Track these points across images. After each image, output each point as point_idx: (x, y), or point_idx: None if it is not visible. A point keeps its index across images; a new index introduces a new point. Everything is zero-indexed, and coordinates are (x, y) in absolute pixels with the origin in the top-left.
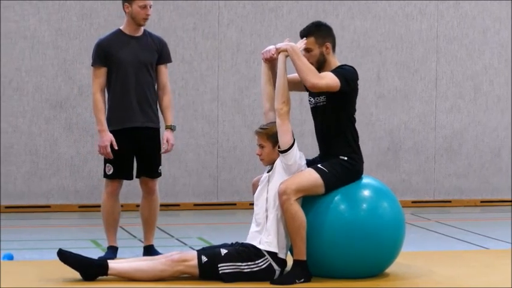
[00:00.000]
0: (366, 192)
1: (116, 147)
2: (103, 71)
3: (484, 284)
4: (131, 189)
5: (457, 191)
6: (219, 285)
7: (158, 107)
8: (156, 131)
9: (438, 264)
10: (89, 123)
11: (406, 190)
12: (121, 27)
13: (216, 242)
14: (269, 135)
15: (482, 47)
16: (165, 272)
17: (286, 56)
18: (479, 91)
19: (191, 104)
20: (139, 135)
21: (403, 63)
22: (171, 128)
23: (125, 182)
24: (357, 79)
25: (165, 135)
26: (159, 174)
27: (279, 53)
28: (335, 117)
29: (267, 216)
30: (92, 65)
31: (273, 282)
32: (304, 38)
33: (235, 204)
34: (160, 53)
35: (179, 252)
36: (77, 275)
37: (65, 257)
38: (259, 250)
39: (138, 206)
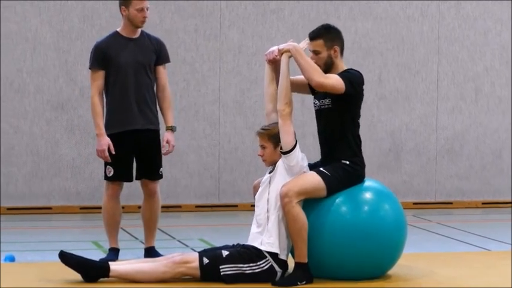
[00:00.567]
0: (368, 194)
1: (114, 152)
2: (101, 74)
3: (485, 284)
4: (132, 190)
5: (459, 193)
6: (220, 287)
7: (158, 108)
8: (156, 132)
9: (440, 266)
10: (90, 125)
11: (408, 191)
12: (118, 29)
13: (217, 243)
14: (270, 135)
15: (483, 48)
16: (166, 273)
17: (290, 57)
18: (480, 92)
19: (193, 105)
20: (140, 138)
21: (404, 64)
22: (172, 129)
23: (126, 183)
24: (363, 83)
25: (165, 136)
26: (160, 176)
27: (282, 54)
28: (339, 121)
29: (268, 217)
30: (89, 68)
31: (274, 284)
32: (307, 38)
33: (236, 205)
34: (158, 53)
35: (180, 254)
36: (78, 276)
37: (67, 258)
38: (260, 251)
39: (139, 207)
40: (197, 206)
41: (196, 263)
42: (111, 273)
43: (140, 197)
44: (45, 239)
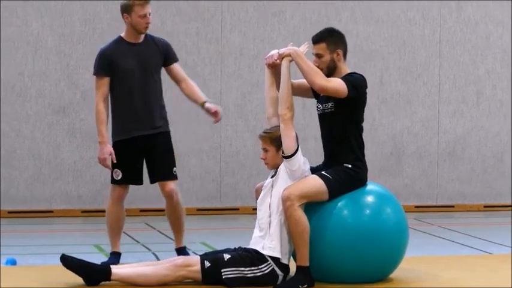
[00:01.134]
0: (369, 198)
1: (115, 161)
2: (106, 80)
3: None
4: (135, 194)
5: (460, 196)
6: None
7: (185, 95)
8: (165, 134)
9: (441, 269)
10: (92, 128)
11: (409, 195)
12: (122, 35)
13: (219, 246)
14: (272, 139)
15: (485, 52)
16: (168, 277)
17: (290, 61)
18: (482, 96)
19: (194, 108)
20: (148, 142)
21: (405, 68)
22: (208, 102)
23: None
24: (366, 87)
25: (207, 108)
26: (174, 176)
27: (283, 58)
28: (342, 125)
29: (270, 222)
30: (94, 75)
31: (276, 287)
32: (306, 42)
33: (238, 209)
34: (165, 54)
35: (182, 257)
36: (79, 280)
37: (68, 262)
38: (262, 255)
39: (141, 211)
40: (199, 210)
41: (198, 267)
42: (112, 277)
43: (143, 200)
44: (47, 243)
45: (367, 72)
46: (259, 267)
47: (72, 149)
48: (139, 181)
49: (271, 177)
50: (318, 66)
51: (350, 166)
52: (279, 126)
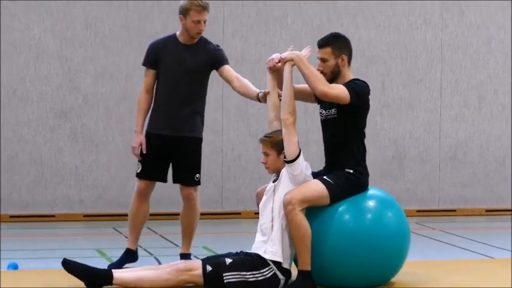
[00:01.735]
0: (371, 202)
1: (145, 151)
2: (150, 72)
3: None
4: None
5: (462, 200)
6: None
7: (240, 93)
8: (194, 140)
9: (443, 273)
10: (93, 133)
11: (411, 199)
12: (177, 33)
13: (220, 251)
14: (273, 143)
15: (486, 56)
16: (169, 281)
17: (293, 65)
18: (483, 100)
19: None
20: (175, 143)
21: (407, 72)
22: (260, 92)
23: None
24: (368, 94)
25: (263, 98)
26: (196, 182)
27: (285, 62)
28: (344, 131)
29: (272, 226)
30: (142, 65)
31: None
32: (309, 46)
33: (239, 213)
34: (214, 59)
35: (184, 261)
36: (81, 284)
37: (70, 266)
38: (264, 259)
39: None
40: (200, 214)
41: (200, 271)
42: (114, 281)
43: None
44: (49, 247)
45: (369, 76)
46: (261, 271)
47: (74, 153)
48: (162, 179)
49: (273, 181)
50: (322, 71)
51: (351, 171)
52: (280, 130)
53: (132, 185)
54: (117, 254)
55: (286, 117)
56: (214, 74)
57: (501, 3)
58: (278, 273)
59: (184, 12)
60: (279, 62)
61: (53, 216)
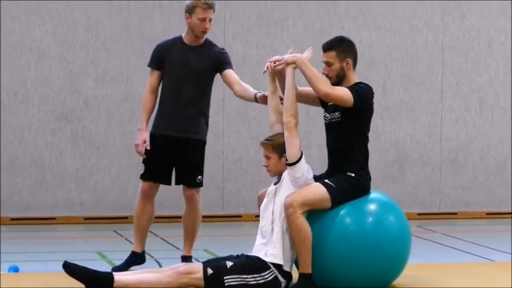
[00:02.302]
0: (372, 205)
1: (148, 147)
2: (155, 73)
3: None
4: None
5: (463, 203)
6: None
7: (240, 97)
8: (199, 141)
9: (444, 276)
10: (94, 135)
11: (412, 202)
12: (182, 35)
13: (221, 254)
14: (274, 146)
15: (487, 59)
16: (170, 284)
17: (295, 68)
18: (484, 103)
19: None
20: (178, 144)
21: (408, 75)
22: (258, 93)
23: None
24: (372, 97)
25: (260, 97)
26: (198, 184)
27: (288, 65)
28: (348, 134)
29: (272, 229)
30: (148, 65)
31: None
32: (311, 48)
33: (240, 216)
34: (218, 62)
35: (185, 264)
36: (82, 287)
37: (70, 269)
38: (264, 262)
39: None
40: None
41: (201, 274)
42: (115, 284)
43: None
44: (49, 250)
45: (370, 79)
46: (262, 274)
47: (75, 156)
48: (166, 181)
49: (275, 184)
50: (327, 74)
51: (353, 175)
52: (282, 133)
53: (133, 188)
54: (117, 257)
55: (288, 119)
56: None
57: (502, 6)
58: (279, 276)
59: (190, 10)
60: (275, 62)
61: (54, 218)
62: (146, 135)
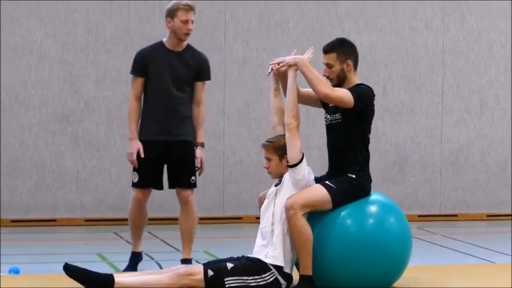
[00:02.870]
0: (372, 207)
1: (142, 155)
2: (139, 81)
3: None
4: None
5: (463, 205)
6: None
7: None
8: (189, 143)
9: (444, 278)
10: (95, 137)
11: (412, 204)
12: (164, 40)
13: (222, 255)
14: (275, 148)
15: (488, 61)
16: (171, 285)
17: (296, 70)
18: (485, 105)
19: None
20: (171, 148)
21: (409, 77)
22: (203, 146)
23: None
24: (373, 98)
25: (198, 154)
26: (192, 185)
27: (289, 67)
28: (348, 136)
29: (273, 230)
30: (130, 73)
31: None
32: (312, 48)
33: (241, 218)
34: (198, 70)
35: (185, 266)
36: None
37: (71, 270)
38: (265, 264)
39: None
40: (202, 218)
41: (201, 275)
42: (115, 286)
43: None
44: (50, 251)
45: (371, 81)
46: (263, 276)
47: (76, 157)
48: (159, 186)
49: (275, 186)
50: (327, 76)
51: (354, 176)
52: (283, 135)
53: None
54: (118, 259)
55: (289, 121)
56: (214, 77)
57: (503, 8)
58: (279, 277)
59: (171, 13)
60: (278, 64)
61: (54, 220)
62: (139, 144)
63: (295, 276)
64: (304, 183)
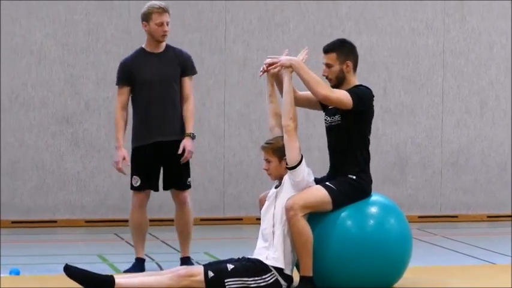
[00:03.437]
0: (373, 208)
1: (128, 164)
2: (125, 90)
3: None
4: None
5: (464, 206)
6: None
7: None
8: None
9: (445, 279)
10: (95, 138)
11: (413, 205)
12: (143, 45)
13: (222, 257)
14: (275, 149)
15: (488, 62)
16: (171, 286)
17: (291, 72)
18: (485, 106)
19: (197, 118)
20: (165, 149)
21: (409, 78)
22: (190, 136)
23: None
24: (372, 99)
25: (182, 142)
26: (188, 186)
27: (284, 68)
28: (348, 137)
29: (273, 232)
30: (116, 85)
31: None
32: (306, 48)
33: (241, 219)
34: (182, 66)
35: (186, 267)
36: None
37: (71, 272)
38: (265, 265)
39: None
40: (202, 220)
41: (201, 277)
42: (116, 287)
43: (147, 210)
44: (50, 253)
45: (371, 82)
46: (263, 277)
47: (76, 159)
48: (156, 187)
49: (276, 187)
50: (327, 76)
51: (354, 177)
52: (282, 136)
53: None
54: (118, 260)
55: (287, 123)
56: (214, 79)
57: (503, 9)
58: (280, 279)
59: (146, 17)
60: (269, 66)
61: (55, 221)
62: (125, 152)
63: (296, 277)
64: (303, 184)
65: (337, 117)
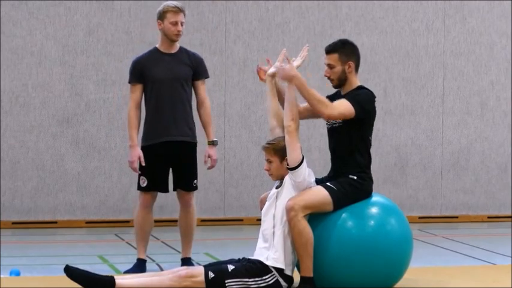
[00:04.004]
0: (373, 209)
1: (144, 164)
2: (138, 87)
3: None
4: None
5: (464, 207)
6: None
7: (199, 121)
8: (192, 144)
9: (445, 280)
10: (96, 139)
11: (413, 206)
12: (157, 45)
13: (223, 257)
14: (276, 150)
15: (488, 62)
16: (172, 287)
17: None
18: (486, 107)
19: (197, 119)
20: (175, 149)
21: (409, 78)
22: (213, 143)
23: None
24: (373, 102)
25: (207, 151)
26: (195, 188)
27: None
28: (349, 138)
29: (274, 233)
30: (128, 82)
31: None
32: (307, 45)
33: (242, 219)
34: (195, 68)
35: (186, 267)
36: None
37: (72, 273)
38: (266, 266)
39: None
40: (202, 220)
41: (202, 277)
42: (116, 287)
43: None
44: (51, 253)
45: (371, 83)
46: (264, 278)
47: (76, 159)
48: (164, 189)
49: (276, 188)
50: (329, 77)
51: (355, 178)
52: (283, 137)
53: (135, 192)
54: (119, 260)
55: (288, 124)
56: (214, 80)
57: (503, 10)
58: (280, 279)
59: (161, 16)
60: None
61: (55, 222)
62: (140, 152)
63: (296, 278)
64: (304, 185)
65: (338, 120)
